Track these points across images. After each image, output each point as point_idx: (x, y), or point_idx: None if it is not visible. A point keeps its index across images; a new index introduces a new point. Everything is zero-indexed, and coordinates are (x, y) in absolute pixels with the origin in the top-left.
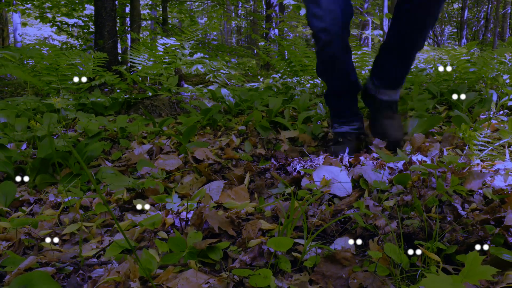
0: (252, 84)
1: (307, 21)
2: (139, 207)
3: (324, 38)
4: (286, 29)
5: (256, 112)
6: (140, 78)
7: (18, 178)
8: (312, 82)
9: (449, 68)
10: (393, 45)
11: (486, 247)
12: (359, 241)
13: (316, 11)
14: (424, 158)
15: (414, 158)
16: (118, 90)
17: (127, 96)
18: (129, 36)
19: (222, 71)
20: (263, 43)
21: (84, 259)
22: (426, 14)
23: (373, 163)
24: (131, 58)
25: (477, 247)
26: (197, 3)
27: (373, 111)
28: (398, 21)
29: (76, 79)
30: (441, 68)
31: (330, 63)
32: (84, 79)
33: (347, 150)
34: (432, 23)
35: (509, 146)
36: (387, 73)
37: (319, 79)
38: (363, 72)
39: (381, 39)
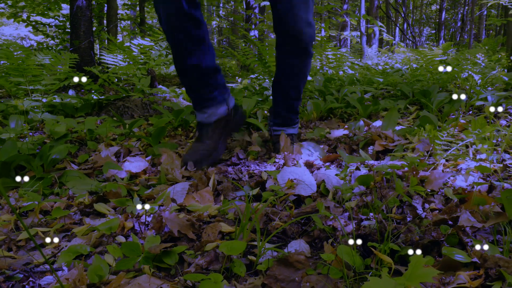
0: (230, 84)
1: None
2: (139, 206)
3: (164, 11)
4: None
5: None
6: (116, 79)
7: (18, 178)
8: None
9: (449, 68)
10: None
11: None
12: (312, 244)
13: None
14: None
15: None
16: (93, 91)
17: (98, 97)
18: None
19: None
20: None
21: (34, 266)
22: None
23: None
24: (102, 58)
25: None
26: None
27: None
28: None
29: (76, 79)
30: (441, 68)
31: (174, 36)
32: (84, 79)
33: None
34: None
35: (472, 146)
36: (278, 112)
37: None
38: (340, 72)
39: (358, 40)
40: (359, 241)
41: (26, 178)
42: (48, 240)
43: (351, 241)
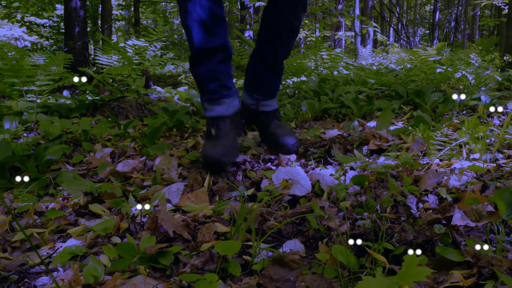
0: None
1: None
2: (139, 207)
3: None
4: None
5: None
6: (110, 80)
7: (18, 178)
8: (283, 83)
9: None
10: (265, 54)
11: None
12: (307, 244)
13: None
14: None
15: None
16: (88, 92)
17: (95, 98)
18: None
19: None
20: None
21: (30, 267)
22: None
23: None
24: (97, 59)
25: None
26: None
27: (260, 126)
28: (266, 27)
29: (76, 79)
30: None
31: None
32: (84, 79)
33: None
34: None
35: (465, 145)
36: (263, 83)
37: (291, 79)
38: (335, 73)
39: (353, 40)
40: (358, 241)
41: (26, 178)
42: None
43: (351, 241)
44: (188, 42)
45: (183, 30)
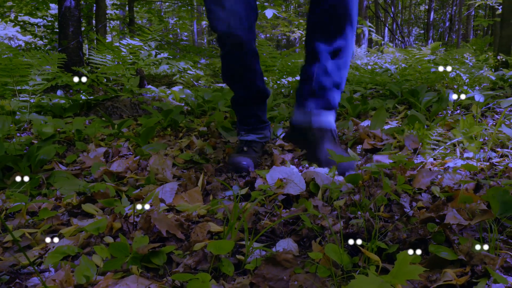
0: (221, 84)
1: (210, 24)
2: (139, 207)
3: (230, 42)
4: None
5: (217, 113)
6: (105, 79)
7: (18, 178)
8: (279, 82)
9: (449, 68)
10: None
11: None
12: (301, 243)
13: (220, 14)
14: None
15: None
16: (82, 92)
17: (89, 97)
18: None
19: (189, 71)
20: None
21: (21, 267)
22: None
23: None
24: (91, 58)
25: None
26: (167, 3)
27: (308, 146)
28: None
29: (76, 79)
30: (441, 68)
31: (236, 69)
32: (84, 79)
33: (251, 163)
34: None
35: (459, 144)
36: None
37: (286, 79)
38: None
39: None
40: (352, 241)
41: (26, 178)
42: (48, 239)
43: (351, 241)
44: (230, 87)
45: (224, 80)
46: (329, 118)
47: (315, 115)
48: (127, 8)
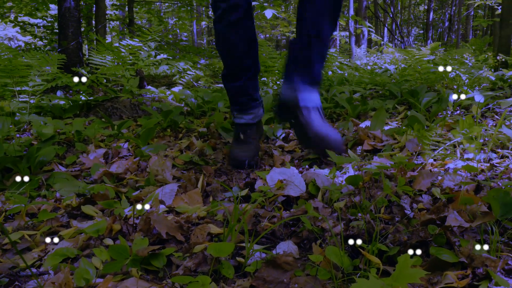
0: (221, 85)
1: None
2: (139, 207)
3: (226, 3)
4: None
5: (217, 114)
6: (104, 80)
7: (18, 179)
8: (278, 82)
9: (449, 68)
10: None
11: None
12: (301, 245)
13: None
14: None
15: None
16: (82, 92)
17: (88, 98)
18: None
19: (188, 72)
20: None
21: (20, 270)
22: None
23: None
24: (91, 59)
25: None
26: (166, 4)
27: (297, 124)
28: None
29: (76, 80)
30: (441, 68)
31: (233, 30)
32: (84, 79)
33: (250, 156)
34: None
35: (459, 145)
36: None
37: None
38: (329, 72)
39: (347, 40)
40: (353, 242)
41: (26, 178)
42: (48, 239)
43: (351, 241)
44: (222, 61)
45: (218, 51)
46: (314, 95)
47: (302, 91)
48: (126, 9)
